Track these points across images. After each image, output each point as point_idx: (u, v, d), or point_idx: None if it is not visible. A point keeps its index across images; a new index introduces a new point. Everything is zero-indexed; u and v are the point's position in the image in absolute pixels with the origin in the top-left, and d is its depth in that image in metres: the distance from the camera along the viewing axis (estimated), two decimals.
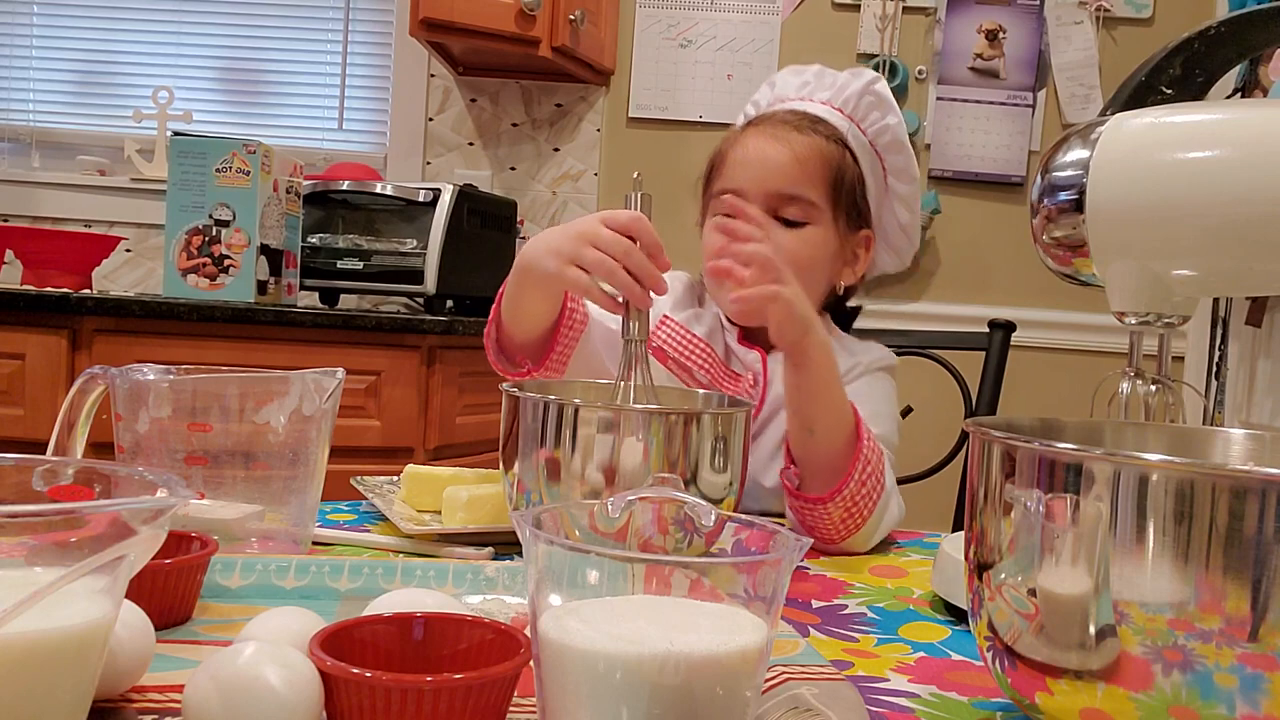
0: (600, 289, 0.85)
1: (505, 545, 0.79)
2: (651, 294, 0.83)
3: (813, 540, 0.46)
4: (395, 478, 0.97)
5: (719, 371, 1.09)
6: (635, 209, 0.85)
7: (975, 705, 0.53)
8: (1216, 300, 0.95)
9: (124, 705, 0.46)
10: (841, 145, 1.11)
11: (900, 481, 1.52)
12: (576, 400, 0.70)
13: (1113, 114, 0.66)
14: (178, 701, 0.45)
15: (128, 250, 2.57)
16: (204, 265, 1.92)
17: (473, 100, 2.63)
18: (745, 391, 1.10)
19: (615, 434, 0.69)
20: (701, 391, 0.87)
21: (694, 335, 1.12)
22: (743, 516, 0.46)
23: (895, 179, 1.16)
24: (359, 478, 0.96)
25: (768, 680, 0.49)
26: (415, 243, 2.09)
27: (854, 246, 1.15)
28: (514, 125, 2.63)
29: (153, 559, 0.40)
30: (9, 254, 2.09)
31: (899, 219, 1.18)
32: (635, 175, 0.86)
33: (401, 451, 1.88)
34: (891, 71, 2.45)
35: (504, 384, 0.76)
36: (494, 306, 1.00)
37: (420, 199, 2.10)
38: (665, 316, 1.15)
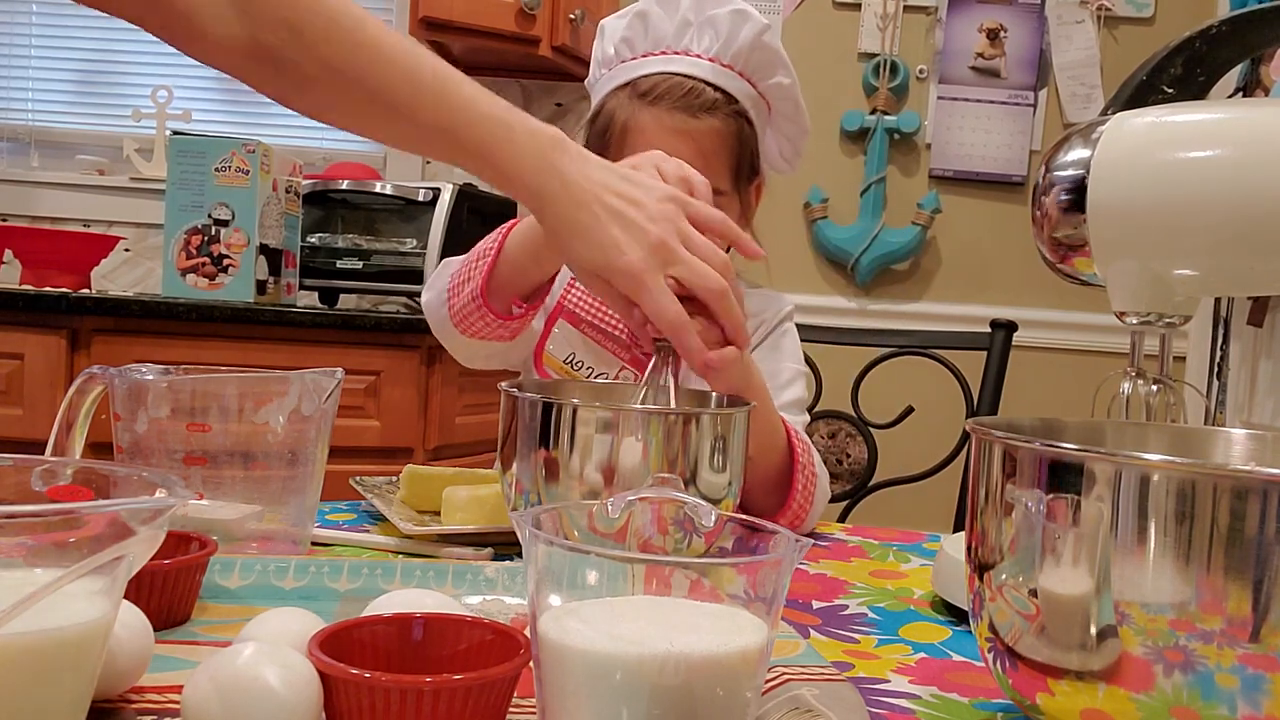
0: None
1: (505, 545, 0.78)
2: None
3: (813, 542, 0.46)
4: (394, 478, 0.97)
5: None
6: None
7: (976, 706, 0.53)
8: (1218, 300, 0.95)
9: (123, 706, 0.46)
10: (739, 117, 1.07)
11: (900, 481, 1.54)
12: (575, 400, 0.70)
13: (1114, 113, 0.66)
14: (176, 702, 0.45)
15: (126, 250, 2.57)
16: (203, 265, 1.92)
17: None
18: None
19: (614, 434, 0.68)
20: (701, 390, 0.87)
21: None
22: (743, 517, 0.45)
23: (786, 135, 1.15)
24: (358, 478, 0.96)
25: (768, 681, 0.49)
26: (415, 242, 2.09)
27: (748, 199, 1.15)
28: None
29: (152, 559, 0.40)
30: (8, 254, 2.09)
31: (782, 152, 1.17)
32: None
33: (401, 451, 1.88)
34: (892, 71, 2.45)
35: (502, 384, 0.75)
36: (492, 252, 0.93)
37: (420, 198, 2.09)
38: (573, 278, 1.11)
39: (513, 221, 0.97)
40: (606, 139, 1.08)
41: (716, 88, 1.06)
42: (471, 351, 1.01)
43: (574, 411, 0.69)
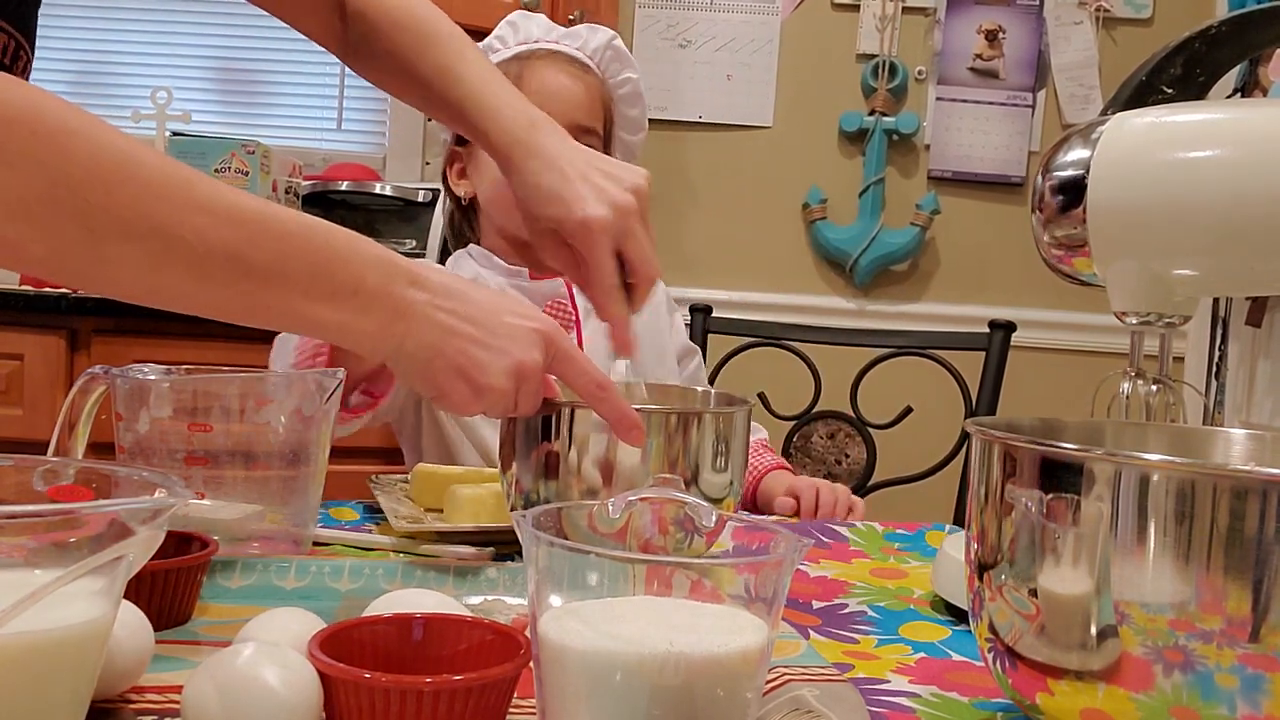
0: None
1: (506, 545, 0.78)
2: None
3: (813, 541, 0.46)
4: (409, 476, 0.98)
5: None
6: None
7: (976, 705, 0.53)
8: (1217, 300, 0.95)
9: (123, 706, 0.46)
10: (604, 88, 1.24)
11: (899, 481, 1.54)
12: (575, 399, 0.70)
13: (1113, 114, 0.66)
14: (177, 702, 0.45)
15: None
16: None
17: None
18: (560, 312, 1.22)
19: (614, 434, 0.68)
20: (700, 389, 0.87)
21: None
22: (743, 517, 0.46)
23: (627, 130, 1.29)
24: (374, 476, 0.96)
25: (769, 682, 0.49)
26: (414, 243, 2.09)
27: None
28: None
29: (153, 559, 0.40)
30: None
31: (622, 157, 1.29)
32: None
33: (402, 451, 1.88)
34: (891, 72, 2.45)
35: None
36: (324, 354, 0.89)
37: (419, 199, 2.09)
38: None
39: None
40: None
41: (589, 65, 1.24)
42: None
43: (573, 411, 0.69)
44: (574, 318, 1.23)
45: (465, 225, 1.31)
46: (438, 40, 0.82)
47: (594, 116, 1.20)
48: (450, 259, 1.31)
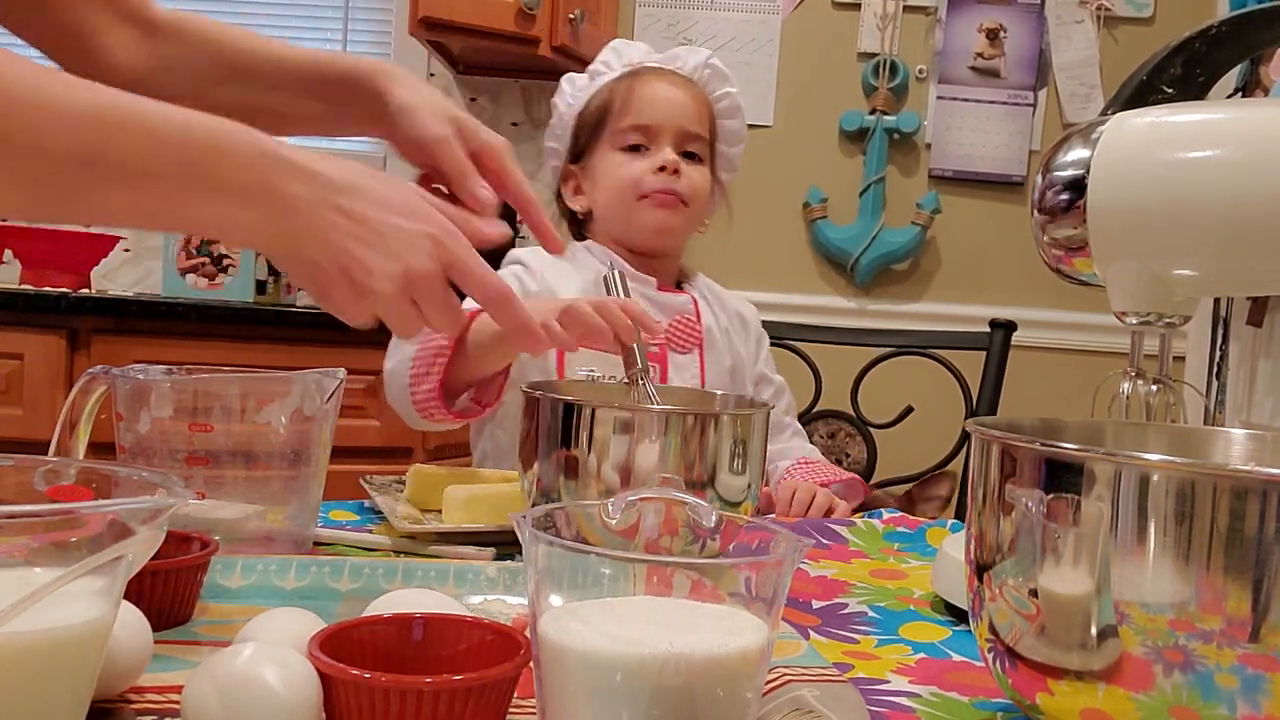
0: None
1: (506, 545, 0.78)
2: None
3: (813, 542, 0.46)
4: (403, 477, 0.98)
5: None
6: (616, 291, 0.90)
7: (976, 705, 0.53)
8: (1217, 300, 0.95)
9: (123, 706, 0.46)
10: (709, 101, 1.29)
11: (899, 481, 1.54)
12: (592, 399, 0.70)
13: (1114, 113, 0.66)
14: (176, 702, 0.45)
15: (126, 250, 2.56)
16: (203, 265, 1.92)
17: (472, 99, 2.63)
18: (686, 329, 1.24)
19: (632, 435, 0.68)
20: (719, 393, 0.87)
21: None
22: (744, 517, 0.45)
23: (727, 143, 1.32)
24: (367, 477, 0.96)
25: (769, 682, 0.49)
26: None
27: (718, 174, 1.33)
28: (514, 125, 2.63)
29: (153, 559, 0.40)
30: (8, 253, 2.08)
31: (720, 179, 1.34)
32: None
33: (401, 451, 1.88)
34: (892, 71, 2.45)
35: (523, 385, 0.75)
36: (449, 348, 0.96)
37: None
38: None
39: (471, 312, 0.95)
40: (604, 114, 1.24)
41: (692, 81, 1.29)
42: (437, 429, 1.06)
43: (593, 412, 0.69)
44: (698, 335, 1.24)
45: (575, 235, 1.35)
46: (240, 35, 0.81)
47: (702, 124, 1.26)
48: (569, 248, 1.31)
